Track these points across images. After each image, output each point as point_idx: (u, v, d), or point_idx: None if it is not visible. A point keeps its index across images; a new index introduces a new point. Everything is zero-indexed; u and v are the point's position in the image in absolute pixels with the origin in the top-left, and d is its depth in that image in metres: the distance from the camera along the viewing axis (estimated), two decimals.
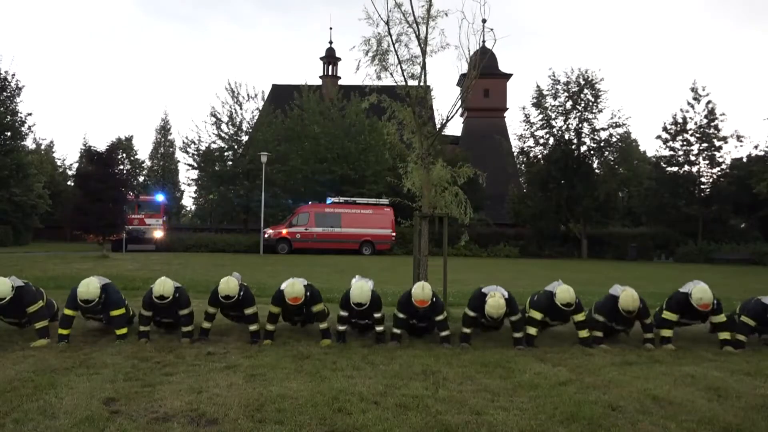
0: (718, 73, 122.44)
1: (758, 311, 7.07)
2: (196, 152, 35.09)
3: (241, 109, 34.95)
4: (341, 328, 7.07)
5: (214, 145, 34.88)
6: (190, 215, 59.87)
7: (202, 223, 46.06)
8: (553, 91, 34.79)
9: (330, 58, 51.46)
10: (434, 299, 6.87)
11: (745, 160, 33.17)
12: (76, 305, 6.67)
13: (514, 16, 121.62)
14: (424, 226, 9.02)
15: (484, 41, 9.54)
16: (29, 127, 34.82)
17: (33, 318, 6.73)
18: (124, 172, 28.17)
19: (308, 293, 6.93)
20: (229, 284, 6.83)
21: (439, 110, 12.88)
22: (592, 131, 34.65)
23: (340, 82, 48.09)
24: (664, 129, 34.31)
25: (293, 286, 6.82)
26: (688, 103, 33.57)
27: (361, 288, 6.90)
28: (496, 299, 6.73)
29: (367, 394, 4.82)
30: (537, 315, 7.03)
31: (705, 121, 33.00)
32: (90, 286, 6.56)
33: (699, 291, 6.87)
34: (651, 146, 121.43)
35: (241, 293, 6.91)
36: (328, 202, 31.58)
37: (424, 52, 8.93)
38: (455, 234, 20.61)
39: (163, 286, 6.79)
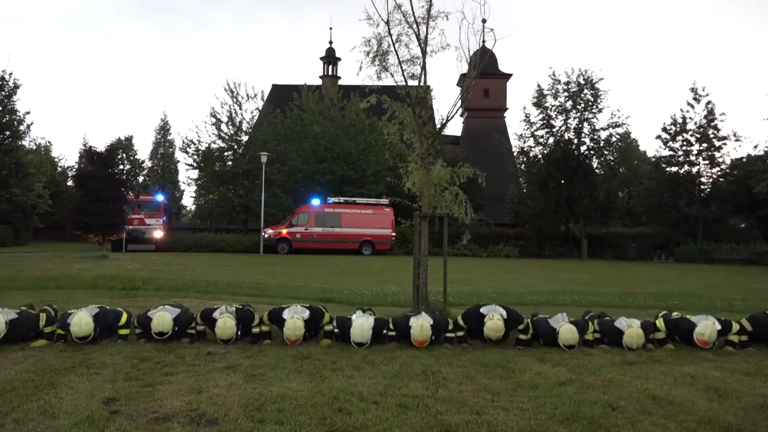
0: (718, 73, 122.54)
1: (762, 322, 7.06)
2: (196, 152, 35.06)
3: (240, 109, 34.95)
4: (337, 330, 7.04)
5: (213, 145, 34.85)
6: (190, 215, 59.83)
7: (202, 223, 45.99)
8: (553, 91, 34.79)
9: (330, 58, 51.43)
10: (433, 334, 6.70)
11: (745, 160, 33.15)
12: (66, 328, 6.48)
13: (515, 16, 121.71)
14: (424, 226, 9.02)
15: (484, 41, 9.53)
16: (28, 126, 34.90)
17: (45, 331, 6.63)
18: (124, 172, 28.15)
19: (306, 330, 6.76)
20: (226, 326, 6.64)
21: (439, 110, 12.89)
22: (592, 131, 34.65)
23: (340, 82, 48.06)
24: (664, 129, 34.29)
25: (293, 329, 6.61)
26: (688, 104, 33.57)
27: (362, 326, 6.64)
28: (494, 321, 6.64)
29: (367, 394, 4.82)
30: (534, 331, 7.00)
31: (705, 121, 32.98)
32: (83, 324, 6.32)
33: (703, 327, 6.81)
34: (651, 146, 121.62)
35: (239, 331, 6.74)
36: (328, 201, 31.59)
37: (424, 53, 8.94)
38: (455, 234, 20.64)
39: (162, 321, 6.59)
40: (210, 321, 6.86)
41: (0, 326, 6.26)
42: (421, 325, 6.64)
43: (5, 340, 6.31)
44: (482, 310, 6.90)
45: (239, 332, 6.77)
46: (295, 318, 6.70)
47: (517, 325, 6.93)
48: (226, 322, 6.66)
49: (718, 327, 6.88)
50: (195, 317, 7.02)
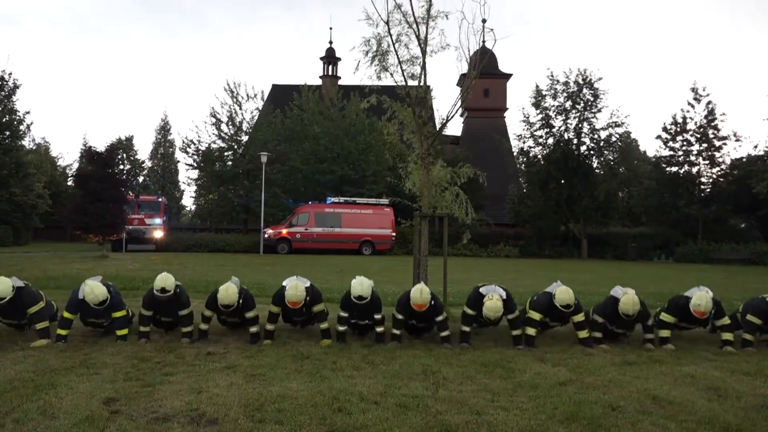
0: (718, 73, 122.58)
1: (763, 309, 7.07)
2: (196, 152, 35.06)
3: (240, 109, 34.95)
4: (341, 328, 7.06)
5: (214, 145, 34.84)
6: (190, 215, 59.84)
7: (202, 223, 46.01)
8: (552, 91, 34.79)
9: (330, 58, 51.43)
10: (433, 302, 6.82)
11: (745, 160, 33.15)
12: (76, 309, 6.68)
13: (515, 16, 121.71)
14: (424, 226, 9.03)
15: (484, 41, 9.54)
16: (28, 126, 34.92)
17: (34, 318, 6.74)
18: (124, 172, 28.18)
19: (308, 297, 6.88)
20: (228, 292, 6.74)
21: (439, 110, 12.89)
22: (591, 131, 34.65)
23: (340, 82, 48.05)
24: (664, 129, 34.29)
25: (295, 290, 6.76)
26: (689, 104, 33.56)
27: (361, 283, 6.90)
28: (493, 302, 6.69)
29: (367, 394, 4.82)
30: (536, 316, 7.03)
31: (705, 121, 32.97)
32: (96, 290, 6.55)
33: (698, 297, 6.87)
34: (651, 146, 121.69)
35: (240, 301, 6.83)
36: (328, 201, 31.61)
37: (424, 53, 8.95)
38: (455, 234, 20.65)
39: (165, 280, 6.80)
40: (214, 298, 6.90)
41: (8, 289, 6.44)
42: (420, 289, 6.77)
43: (10, 308, 6.52)
44: (482, 290, 6.98)
45: (240, 302, 6.81)
46: (296, 283, 6.86)
47: (513, 309, 6.98)
48: (228, 288, 6.76)
49: (711, 295, 6.93)
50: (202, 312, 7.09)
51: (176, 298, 6.87)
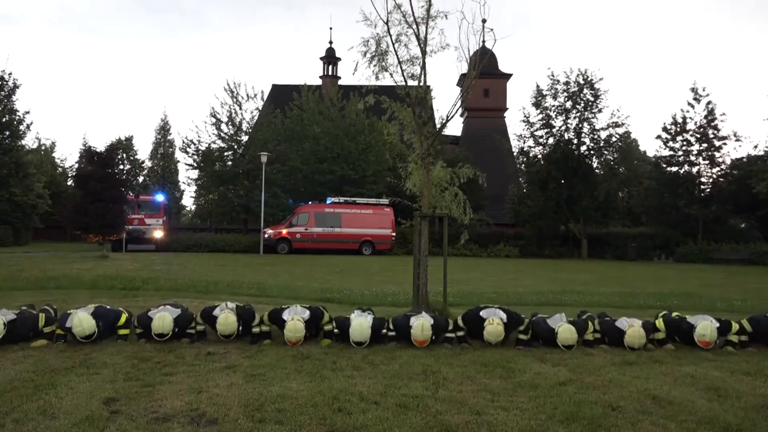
0: (718, 73, 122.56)
1: (763, 324, 7.05)
2: (196, 152, 35.05)
3: (240, 109, 34.94)
4: (337, 330, 7.03)
5: (213, 145, 34.84)
6: (190, 215, 59.79)
7: (202, 223, 45.99)
8: (552, 91, 34.78)
9: (330, 58, 51.44)
10: (434, 334, 6.71)
11: (745, 160, 33.14)
12: (67, 331, 6.50)
13: (515, 16, 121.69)
14: (424, 226, 9.02)
15: (484, 41, 9.53)
16: (27, 126, 34.90)
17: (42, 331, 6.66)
18: (124, 172, 28.15)
19: (311, 323, 6.78)
20: (227, 321, 6.67)
21: (439, 110, 12.89)
22: (591, 131, 34.64)
23: (340, 82, 48.03)
24: (664, 129, 34.29)
25: (294, 332, 6.59)
26: (688, 104, 33.56)
27: (360, 325, 6.65)
28: (494, 326, 6.65)
29: (367, 394, 4.82)
30: (533, 331, 7.00)
31: (705, 121, 32.97)
32: (84, 323, 6.34)
33: (702, 327, 6.81)
34: (651, 146, 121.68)
35: (240, 327, 6.77)
36: (328, 202, 31.61)
37: (423, 53, 8.94)
38: (455, 234, 20.63)
39: (162, 322, 6.59)
40: (210, 319, 6.86)
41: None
42: (422, 325, 6.65)
43: (4, 341, 6.30)
44: (482, 313, 6.89)
45: (240, 328, 6.78)
46: (295, 319, 6.69)
47: (517, 326, 6.93)
48: (227, 318, 6.70)
49: (717, 325, 6.90)
50: (195, 317, 7.03)
51: (175, 335, 6.72)
